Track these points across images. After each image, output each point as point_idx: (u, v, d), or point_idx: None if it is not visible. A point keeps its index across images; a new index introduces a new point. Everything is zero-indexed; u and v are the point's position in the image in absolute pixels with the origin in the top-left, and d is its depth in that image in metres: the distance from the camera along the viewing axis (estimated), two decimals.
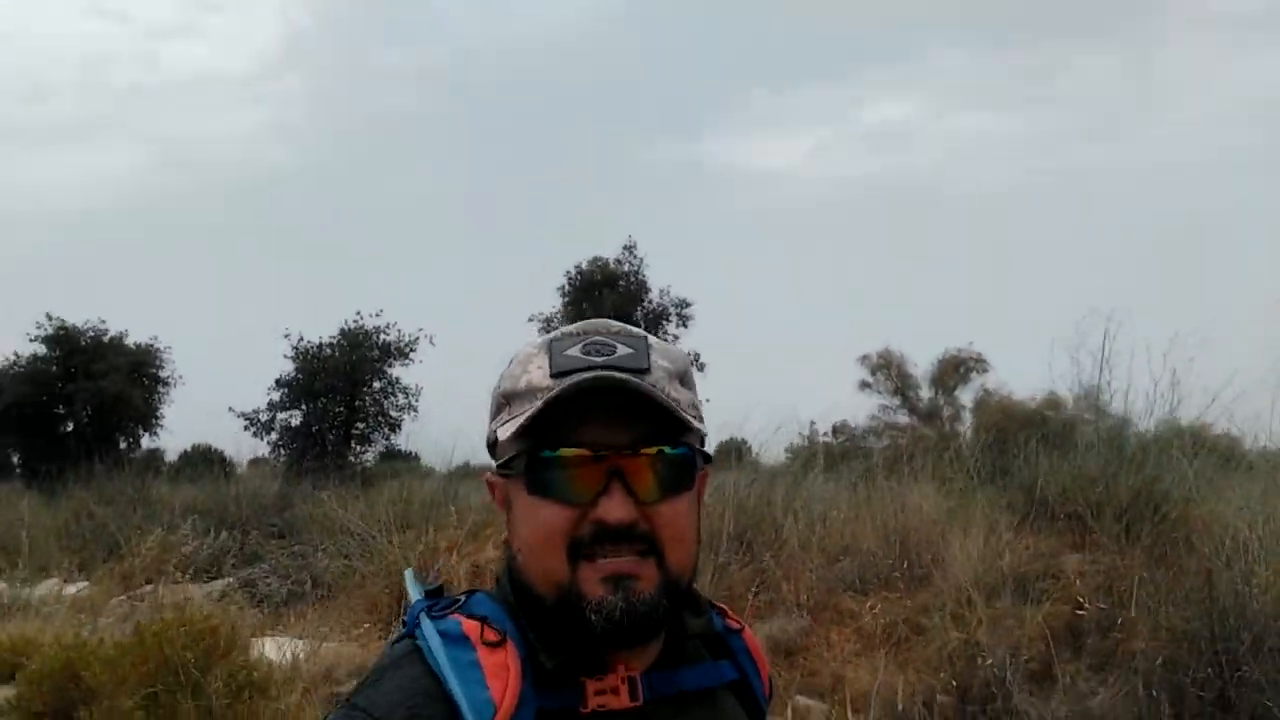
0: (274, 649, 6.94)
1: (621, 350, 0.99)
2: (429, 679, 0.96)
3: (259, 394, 20.76)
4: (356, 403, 20.99)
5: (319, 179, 48.25)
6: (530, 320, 20.38)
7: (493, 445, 1.06)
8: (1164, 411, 9.11)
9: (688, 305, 20.42)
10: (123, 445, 23.44)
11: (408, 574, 1.12)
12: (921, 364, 19.77)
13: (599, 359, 0.98)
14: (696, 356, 20.28)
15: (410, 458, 21.58)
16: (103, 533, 13.00)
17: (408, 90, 50.49)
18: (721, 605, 1.16)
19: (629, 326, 1.04)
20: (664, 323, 20.29)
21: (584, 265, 20.02)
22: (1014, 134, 45.95)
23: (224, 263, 42.53)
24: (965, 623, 6.59)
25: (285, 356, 20.67)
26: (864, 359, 19.69)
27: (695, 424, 1.00)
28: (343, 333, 20.81)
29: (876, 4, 48.82)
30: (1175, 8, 45.44)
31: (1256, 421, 8.88)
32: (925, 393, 19.76)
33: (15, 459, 24.32)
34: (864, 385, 19.82)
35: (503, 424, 1.02)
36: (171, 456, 24.82)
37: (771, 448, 15.39)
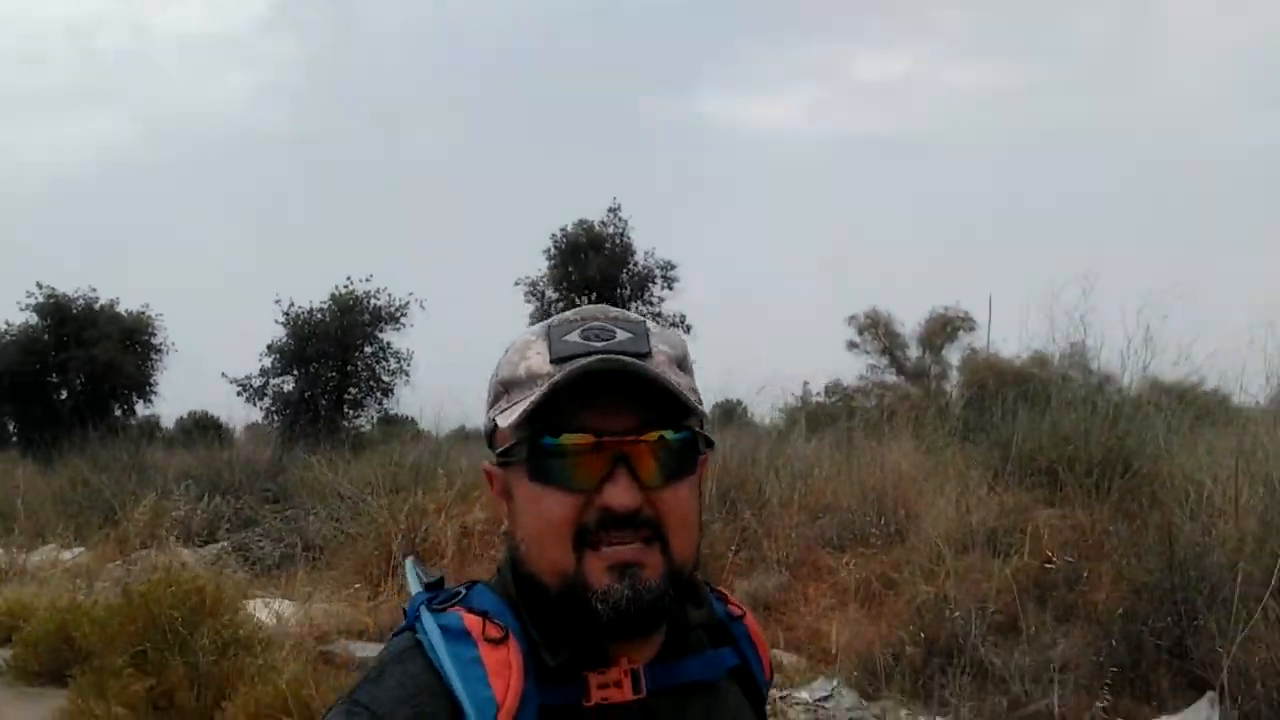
0: (264, 609, 7.12)
1: (621, 335, 0.99)
2: (430, 675, 0.95)
3: (254, 360, 20.89)
4: (349, 368, 21.07)
5: (310, 141, 47.96)
6: (517, 284, 20.51)
7: (491, 434, 1.05)
8: (1138, 368, 9.25)
9: (673, 268, 20.47)
10: (117, 413, 23.58)
11: (408, 564, 1.11)
12: (909, 323, 19.91)
13: (599, 344, 0.97)
14: (683, 319, 20.38)
15: (407, 422, 21.71)
16: (98, 499, 13.16)
17: (399, 50, 50.02)
18: (721, 590, 1.17)
19: (626, 312, 1.05)
20: (649, 285, 20.31)
21: (569, 228, 20.08)
22: (1013, 86, 45.67)
23: (217, 227, 42.42)
24: (936, 577, 6.77)
25: (277, 323, 20.76)
26: (851, 319, 19.82)
27: (697, 407, 1.00)
28: (334, 298, 20.84)
29: None
30: None
31: (1241, 374, 9.01)
32: (913, 352, 19.90)
33: (11, 427, 24.46)
34: (851, 346, 19.97)
35: (501, 412, 1.01)
36: (169, 424, 25.07)
37: (762, 408, 15.60)
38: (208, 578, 5.70)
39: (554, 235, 20.40)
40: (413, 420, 20.48)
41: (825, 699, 6.05)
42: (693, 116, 46.19)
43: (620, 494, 0.95)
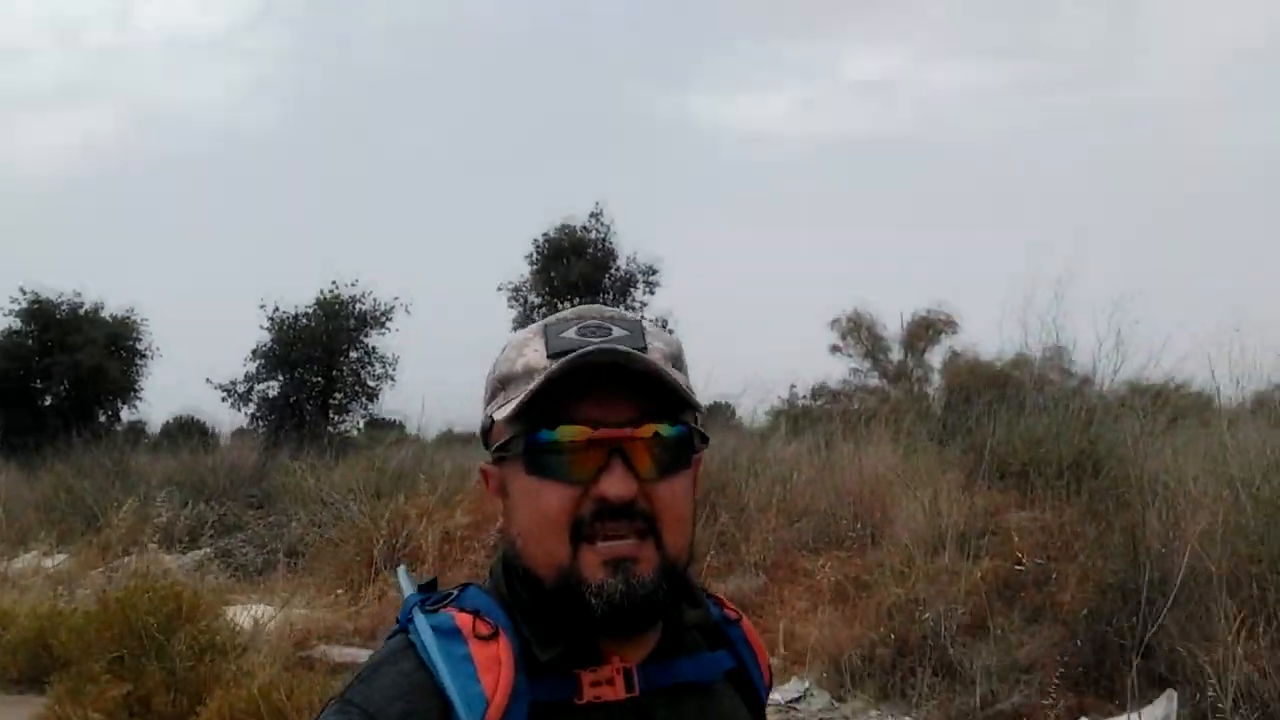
0: (243, 615, 7.17)
1: (617, 332, 1.00)
2: (422, 673, 0.96)
3: (240, 362, 20.89)
4: (334, 372, 21.11)
5: (297, 140, 47.89)
6: (500, 289, 20.60)
7: (487, 432, 1.06)
8: (1109, 371, 9.38)
9: (655, 271, 20.58)
10: (102, 418, 23.54)
11: (400, 570, 1.13)
12: (891, 326, 20.03)
13: (595, 339, 0.99)
14: (664, 323, 20.46)
15: (395, 425, 21.74)
16: (81, 505, 13.16)
17: (387, 48, 50.01)
18: (718, 595, 1.17)
19: (622, 311, 1.07)
20: (632, 289, 20.41)
21: (551, 233, 20.20)
22: (999, 84, 45.94)
23: (203, 226, 42.35)
24: (907, 579, 6.87)
25: (261, 327, 20.78)
26: (834, 322, 19.93)
27: (693, 402, 1.01)
28: (319, 302, 20.87)
29: None
30: None
31: (1215, 374, 9.11)
32: (895, 355, 20.02)
33: None
34: (834, 349, 20.09)
35: (499, 408, 1.02)
36: (155, 428, 25.02)
37: (748, 410, 15.69)
38: (185, 584, 5.75)
39: (536, 240, 20.55)
40: (400, 424, 20.56)
41: (797, 700, 6.15)
42: (679, 115, 46.35)
43: (616, 484, 0.95)
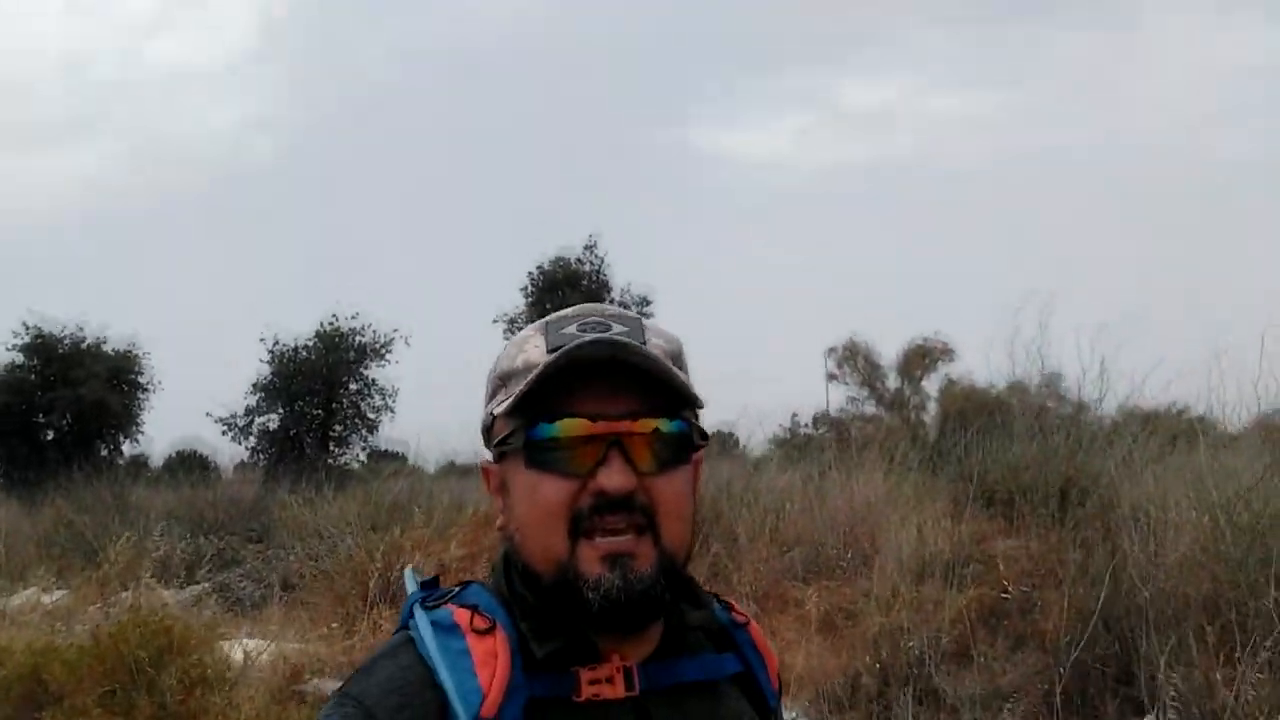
0: (237, 649, 7.22)
1: (617, 328, 1.01)
2: (420, 667, 0.96)
3: (241, 395, 21.05)
4: (334, 405, 21.26)
5: (299, 173, 48.36)
6: (495, 321, 20.82)
7: (488, 429, 1.06)
8: (1094, 397, 9.47)
9: (649, 302, 20.82)
10: (104, 452, 23.64)
11: (407, 571, 1.13)
12: (888, 354, 20.16)
13: (594, 335, 0.99)
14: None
15: (397, 457, 21.84)
16: (80, 540, 13.21)
17: (385, 79, 50.57)
18: (727, 599, 1.16)
19: (623, 309, 1.07)
20: None
21: (546, 265, 20.46)
22: (995, 113, 46.35)
23: (206, 260, 42.68)
24: (892, 607, 6.93)
25: (261, 360, 20.94)
26: (831, 351, 20.07)
27: (693, 397, 1.01)
28: (318, 335, 21.07)
29: None
30: None
31: (1212, 396, 9.18)
32: (892, 382, 20.12)
33: None
34: (831, 377, 20.21)
35: (499, 404, 1.03)
36: (157, 461, 25.13)
37: (753, 439, 15.78)
38: (176, 617, 5.84)
39: (531, 272, 20.82)
40: (403, 455, 20.67)
41: None
42: (679, 145, 46.74)
43: (615, 476, 0.95)
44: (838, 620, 7.51)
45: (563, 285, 20.21)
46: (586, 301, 1.11)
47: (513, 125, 47.00)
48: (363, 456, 22.06)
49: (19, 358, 23.42)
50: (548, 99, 49.05)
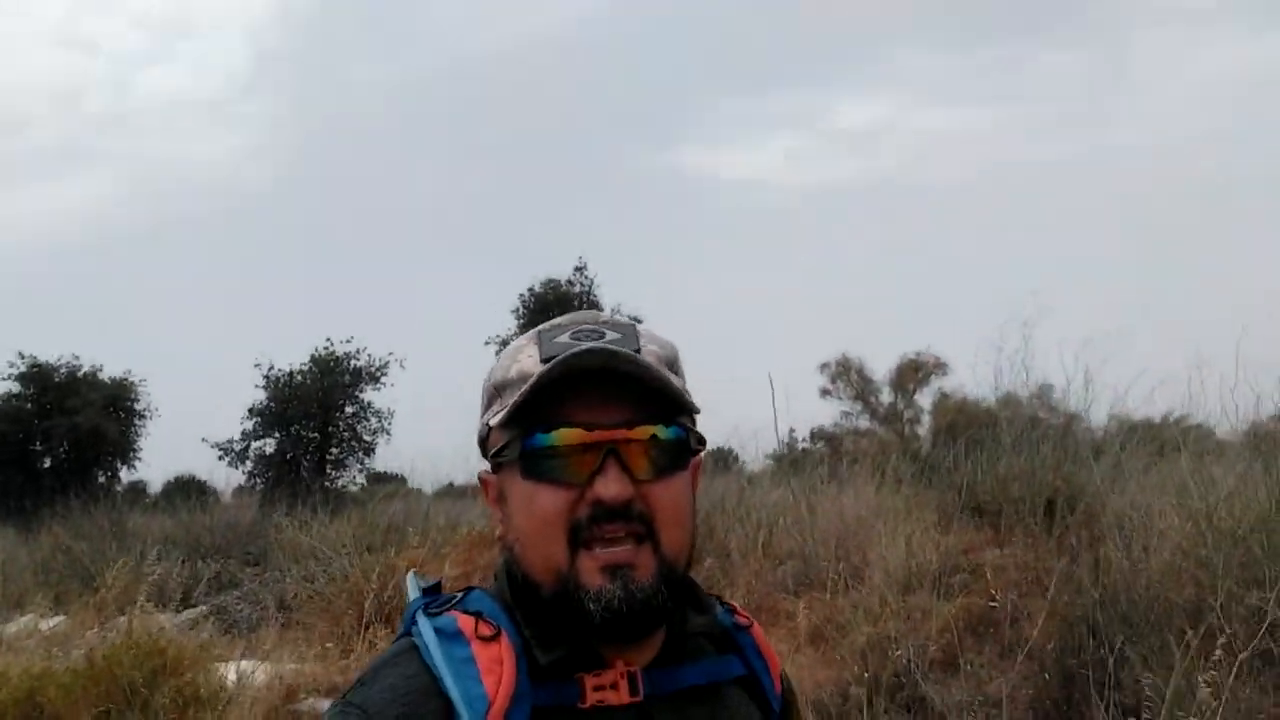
0: (232, 670, 7.27)
1: (611, 335, 1.00)
2: (424, 675, 0.95)
3: (238, 421, 21.11)
4: (330, 428, 21.33)
5: (292, 201, 48.58)
6: (488, 343, 20.97)
7: (484, 440, 1.05)
8: (1081, 408, 9.57)
9: (639, 324, 20.87)
10: (101, 479, 23.68)
11: (409, 576, 1.12)
12: (881, 369, 20.27)
13: (588, 343, 0.98)
14: None
15: (396, 479, 21.88)
16: (78, 567, 13.25)
17: (378, 106, 50.89)
18: (731, 602, 1.15)
19: (617, 316, 1.07)
20: None
21: (537, 287, 20.67)
22: (983, 130, 46.71)
23: (202, 288, 42.82)
24: (881, 618, 7.00)
25: (256, 386, 21.02)
26: (824, 366, 20.18)
27: (689, 403, 1.00)
28: (314, 359, 21.18)
29: (842, 5, 49.51)
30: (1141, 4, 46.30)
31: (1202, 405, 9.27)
32: (885, 397, 20.21)
33: None
34: (824, 393, 20.30)
35: (495, 415, 1.01)
36: (155, 488, 25.16)
37: (750, 453, 15.86)
38: (170, 639, 5.90)
39: (522, 294, 21.02)
40: (403, 477, 20.71)
41: None
42: (669, 165, 47.05)
43: (611, 484, 0.94)
44: (828, 632, 7.56)
45: (553, 307, 20.35)
46: None
47: (504, 149, 47.33)
48: (361, 479, 22.14)
49: (15, 387, 23.53)
50: (539, 124, 49.38)
